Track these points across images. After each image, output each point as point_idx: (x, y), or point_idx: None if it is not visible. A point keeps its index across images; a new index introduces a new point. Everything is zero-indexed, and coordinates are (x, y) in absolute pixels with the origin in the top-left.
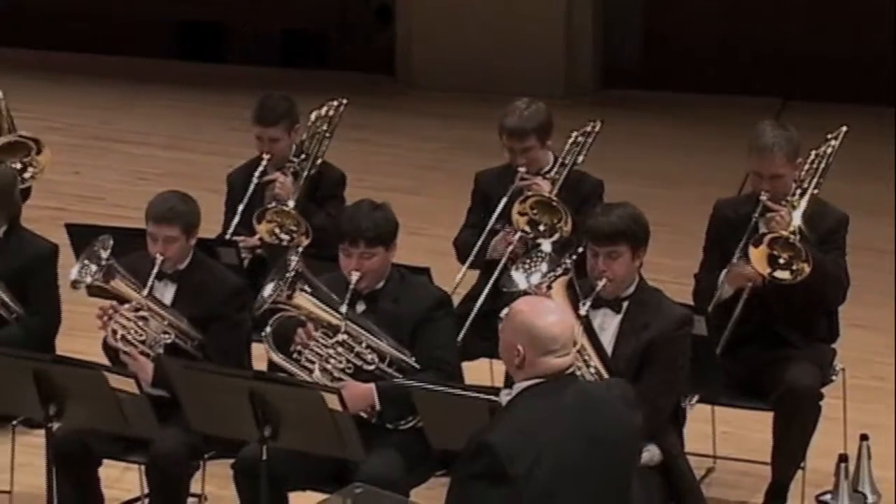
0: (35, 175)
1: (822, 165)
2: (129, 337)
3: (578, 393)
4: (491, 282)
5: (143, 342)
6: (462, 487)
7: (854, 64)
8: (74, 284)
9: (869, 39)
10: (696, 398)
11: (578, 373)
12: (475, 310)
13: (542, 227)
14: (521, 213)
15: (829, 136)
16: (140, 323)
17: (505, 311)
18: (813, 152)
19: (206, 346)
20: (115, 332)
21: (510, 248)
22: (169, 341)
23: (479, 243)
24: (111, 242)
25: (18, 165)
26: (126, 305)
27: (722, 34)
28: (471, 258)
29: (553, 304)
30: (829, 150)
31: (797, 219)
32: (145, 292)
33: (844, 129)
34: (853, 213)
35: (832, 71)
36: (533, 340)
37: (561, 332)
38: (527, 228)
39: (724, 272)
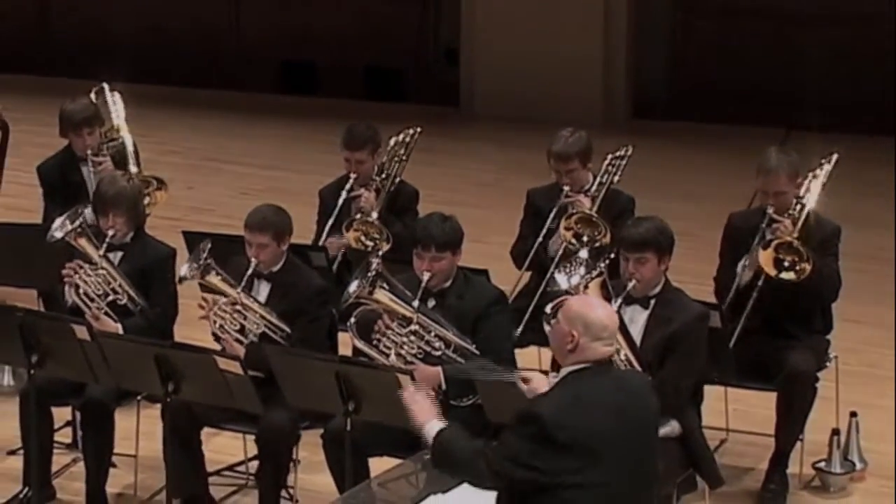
0: (149, 206)
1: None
2: (226, 326)
3: (615, 378)
4: (544, 283)
5: (238, 331)
6: (511, 441)
7: (852, 99)
8: (181, 280)
9: (868, 80)
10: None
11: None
12: (532, 305)
13: (584, 239)
14: (567, 228)
15: (823, 160)
16: (235, 315)
17: (549, 306)
18: (810, 173)
19: (291, 337)
20: (214, 321)
21: (561, 249)
22: (260, 331)
23: (532, 252)
24: (209, 245)
25: None
26: (223, 300)
27: (735, 73)
28: (526, 263)
29: (603, 301)
30: (823, 172)
31: (797, 229)
32: (239, 289)
33: (836, 155)
34: (846, 225)
35: (832, 104)
36: (587, 328)
37: (610, 323)
38: (573, 241)
39: (742, 261)
